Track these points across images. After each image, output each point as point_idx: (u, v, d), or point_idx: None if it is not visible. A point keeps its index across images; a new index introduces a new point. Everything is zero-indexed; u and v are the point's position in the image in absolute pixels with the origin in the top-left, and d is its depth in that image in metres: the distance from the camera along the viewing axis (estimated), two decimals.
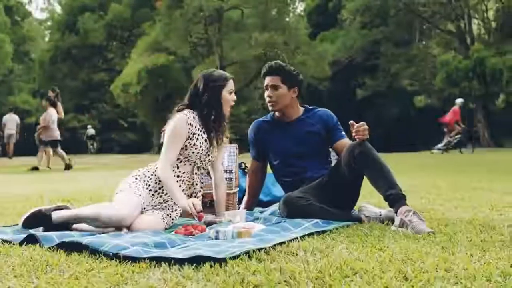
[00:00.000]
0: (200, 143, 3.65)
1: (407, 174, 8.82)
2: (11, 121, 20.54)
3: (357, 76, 36.09)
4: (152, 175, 3.64)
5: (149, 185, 3.59)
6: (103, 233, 3.20)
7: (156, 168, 3.65)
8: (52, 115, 13.71)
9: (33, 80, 42.71)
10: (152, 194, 3.60)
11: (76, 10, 37.91)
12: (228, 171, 4.36)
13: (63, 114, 14.59)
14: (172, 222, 3.65)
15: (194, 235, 3.19)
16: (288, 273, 2.20)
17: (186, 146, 3.61)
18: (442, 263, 2.33)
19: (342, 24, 37.56)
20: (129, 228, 3.30)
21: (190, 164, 3.69)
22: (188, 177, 3.70)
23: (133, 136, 43.01)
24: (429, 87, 32.77)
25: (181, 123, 3.61)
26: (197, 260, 2.37)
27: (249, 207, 4.29)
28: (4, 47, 22.73)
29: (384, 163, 3.58)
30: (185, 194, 3.66)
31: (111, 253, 2.57)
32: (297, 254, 2.58)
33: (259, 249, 2.62)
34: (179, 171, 3.66)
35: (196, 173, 3.72)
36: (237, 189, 4.32)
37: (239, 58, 30.88)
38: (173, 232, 3.27)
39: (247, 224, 3.36)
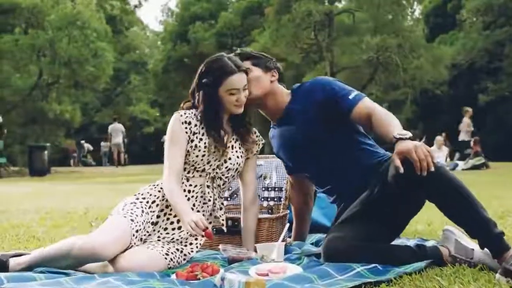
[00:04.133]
0: (204, 144, 2.81)
1: None
2: (116, 130, 20.71)
3: (478, 80, 33.71)
4: (159, 192, 2.82)
5: (152, 206, 2.77)
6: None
7: (162, 183, 2.84)
8: None
9: (151, 90, 43.71)
10: (157, 217, 2.77)
11: (187, 19, 38.23)
12: (277, 188, 3.44)
13: None
14: (184, 260, 2.77)
15: (199, 279, 2.31)
16: None
17: (188, 151, 2.80)
18: None
19: (462, 25, 35.34)
20: (115, 266, 2.46)
21: (201, 175, 2.85)
22: (201, 191, 2.85)
23: None
24: None
25: (174, 124, 2.81)
26: None
27: (298, 236, 3.33)
28: (105, 55, 22.88)
29: (466, 191, 2.40)
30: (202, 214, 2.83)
31: None
32: None
33: None
34: (189, 185, 2.84)
35: (210, 186, 2.86)
36: (287, 211, 3.37)
37: (350, 63, 29.69)
38: (173, 275, 2.41)
39: (278, 266, 2.44)
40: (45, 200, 7.03)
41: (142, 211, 2.71)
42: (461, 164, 16.61)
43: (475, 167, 16.34)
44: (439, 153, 16.31)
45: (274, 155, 3.48)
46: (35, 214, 5.21)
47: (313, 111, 2.84)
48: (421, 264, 2.45)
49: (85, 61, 22.83)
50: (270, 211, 3.37)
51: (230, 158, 2.87)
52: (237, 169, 2.93)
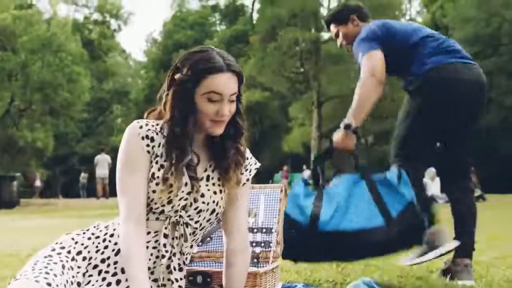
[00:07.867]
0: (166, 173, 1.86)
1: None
2: (102, 161, 19.94)
3: None
4: (88, 239, 1.91)
5: (77, 258, 1.86)
6: None
7: (96, 228, 1.94)
8: None
9: (133, 120, 43.19)
10: (88, 276, 1.85)
11: (171, 48, 37.81)
12: (265, 229, 2.54)
13: None
14: None
15: None
16: None
17: None
18: None
19: None
20: None
21: (158, 219, 1.91)
22: (155, 241, 1.91)
23: None
24: None
25: (130, 140, 1.87)
26: None
27: None
28: (80, 80, 21.94)
29: None
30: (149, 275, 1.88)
31: None
32: None
33: None
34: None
35: (168, 235, 1.90)
36: (277, 263, 2.46)
37: (338, 92, 29.04)
38: None
39: None
40: None
41: (63, 267, 1.77)
42: None
43: None
44: (432, 185, 15.62)
45: (260, 185, 2.59)
46: None
47: None
48: None
49: (59, 86, 21.75)
50: (256, 260, 2.45)
51: (203, 195, 1.93)
52: (214, 210, 1.96)
